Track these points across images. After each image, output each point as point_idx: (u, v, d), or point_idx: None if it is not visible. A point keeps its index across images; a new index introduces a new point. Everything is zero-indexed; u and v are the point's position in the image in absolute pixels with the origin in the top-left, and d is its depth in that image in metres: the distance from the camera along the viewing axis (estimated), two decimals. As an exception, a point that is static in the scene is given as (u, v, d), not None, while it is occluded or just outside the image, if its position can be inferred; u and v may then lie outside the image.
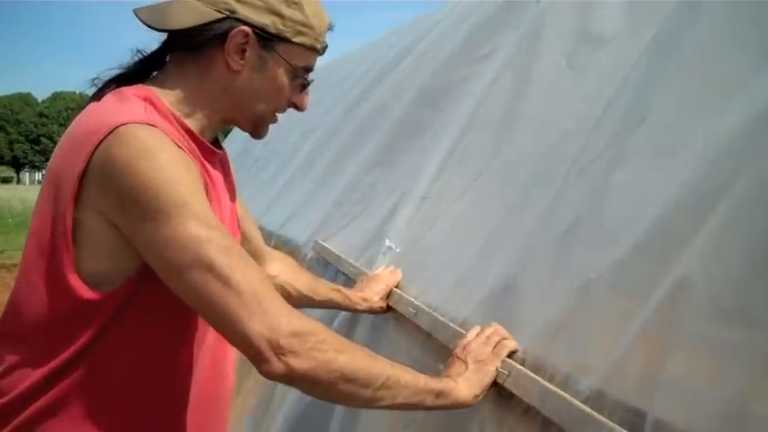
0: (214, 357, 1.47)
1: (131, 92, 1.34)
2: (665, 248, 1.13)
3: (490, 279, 1.55)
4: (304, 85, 1.46)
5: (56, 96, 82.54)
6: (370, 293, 1.97)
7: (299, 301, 1.89)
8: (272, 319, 1.17)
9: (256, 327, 1.17)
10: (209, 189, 1.35)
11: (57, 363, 1.29)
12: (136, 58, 1.44)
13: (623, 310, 1.16)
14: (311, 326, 1.21)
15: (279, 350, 1.17)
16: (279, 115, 1.50)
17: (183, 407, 1.43)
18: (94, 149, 1.21)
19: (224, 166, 1.56)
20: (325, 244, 2.68)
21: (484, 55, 2.38)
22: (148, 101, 1.32)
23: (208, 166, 1.40)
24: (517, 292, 1.45)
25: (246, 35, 1.35)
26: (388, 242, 2.15)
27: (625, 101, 1.48)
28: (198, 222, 1.19)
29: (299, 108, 1.48)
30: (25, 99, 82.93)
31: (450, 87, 2.53)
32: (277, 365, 1.17)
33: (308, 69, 1.45)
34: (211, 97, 1.39)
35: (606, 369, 1.13)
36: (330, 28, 1.45)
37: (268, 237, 3.66)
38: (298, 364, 1.17)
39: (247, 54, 1.36)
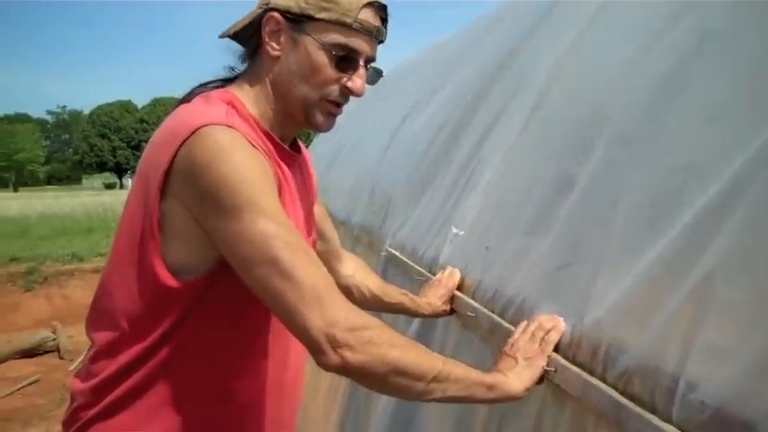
0: (290, 352, 1.54)
1: (217, 95, 1.43)
2: (707, 226, 1.16)
3: (544, 258, 1.59)
4: (352, 68, 1.45)
5: (155, 102, 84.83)
6: (434, 298, 2.03)
7: (371, 303, 1.97)
8: (330, 314, 1.23)
9: (315, 320, 1.23)
10: (282, 189, 1.42)
11: (141, 348, 1.39)
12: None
13: (669, 285, 1.18)
14: (367, 321, 1.26)
15: (335, 343, 1.23)
16: (342, 106, 1.49)
17: (258, 398, 1.51)
18: (178, 148, 1.30)
19: (303, 170, 1.63)
20: (394, 251, 2.74)
21: (548, 41, 2.40)
22: (231, 104, 1.41)
23: (284, 167, 1.47)
24: (570, 270, 1.48)
25: (277, 21, 1.42)
26: (454, 229, 2.19)
27: (668, 76, 1.49)
28: (267, 219, 1.26)
29: (352, 92, 1.46)
30: (125, 106, 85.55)
31: (514, 76, 2.56)
32: (333, 358, 1.24)
33: (345, 47, 1.42)
34: (267, 89, 1.47)
35: (649, 341, 1.16)
36: (372, 4, 1.43)
37: (351, 229, 3.74)
38: (352, 357, 1.23)
39: (282, 39, 1.43)
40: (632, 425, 1.13)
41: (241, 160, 1.29)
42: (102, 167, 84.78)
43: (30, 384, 7.70)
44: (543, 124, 2.08)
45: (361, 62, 1.46)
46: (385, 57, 1.61)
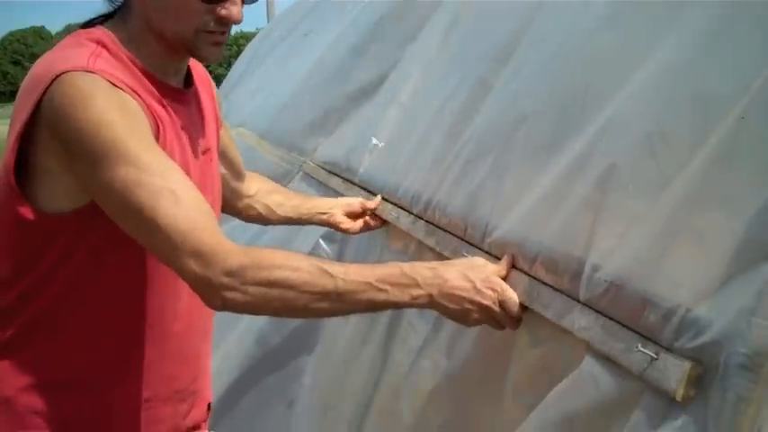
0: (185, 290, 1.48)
1: (86, 35, 1.37)
2: (612, 119, 1.21)
3: (458, 161, 1.62)
4: None
5: (68, 28, 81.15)
6: (336, 208, 2.01)
7: (275, 219, 1.99)
8: (202, 260, 1.19)
9: (188, 267, 1.20)
10: (163, 129, 1.37)
11: (20, 291, 1.36)
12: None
13: (576, 177, 1.23)
14: (243, 259, 1.21)
15: (213, 288, 1.20)
16: (226, 33, 1.41)
17: (156, 336, 1.47)
18: (41, 97, 1.25)
19: (199, 99, 1.57)
20: (314, 164, 2.73)
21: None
22: (100, 43, 1.35)
23: (168, 105, 1.41)
24: (476, 171, 1.54)
25: None
26: (374, 140, 2.20)
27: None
28: (128, 167, 1.22)
29: (229, 20, 1.37)
30: (39, 33, 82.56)
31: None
32: (215, 301, 1.22)
33: None
34: (142, 27, 1.39)
35: (557, 230, 1.22)
36: None
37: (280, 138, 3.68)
38: (234, 298, 1.20)
39: None
40: (545, 305, 1.19)
41: (101, 106, 1.24)
42: (15, 96, 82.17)
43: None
44: (461, 36, 2.08)
45: None
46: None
